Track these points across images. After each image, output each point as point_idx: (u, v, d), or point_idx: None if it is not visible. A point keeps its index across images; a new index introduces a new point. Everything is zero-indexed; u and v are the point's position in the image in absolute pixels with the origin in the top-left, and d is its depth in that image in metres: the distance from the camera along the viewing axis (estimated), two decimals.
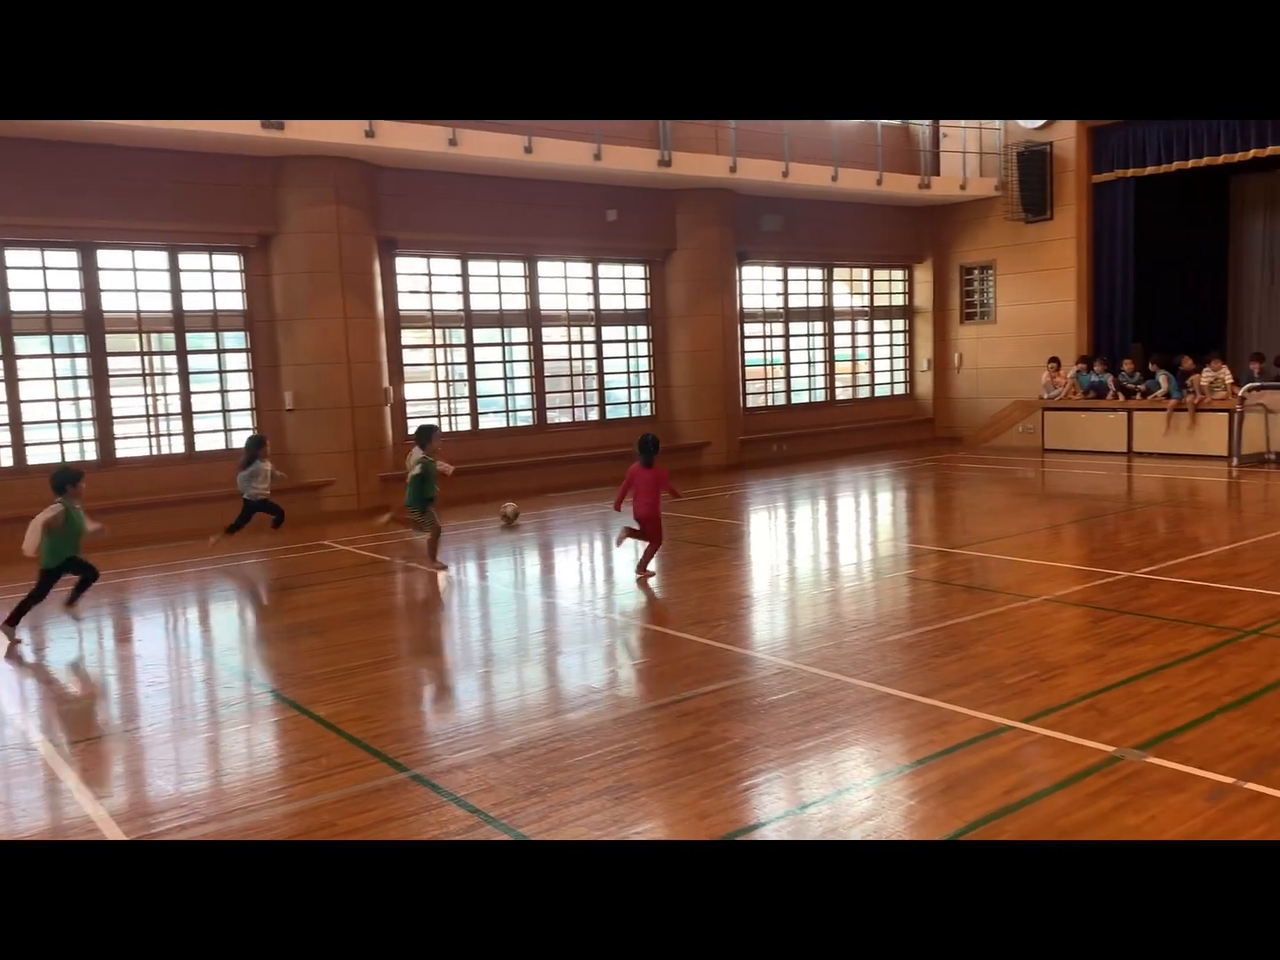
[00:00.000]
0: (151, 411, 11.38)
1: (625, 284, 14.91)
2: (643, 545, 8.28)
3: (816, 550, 9.55)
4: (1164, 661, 5.37)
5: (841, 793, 4.01)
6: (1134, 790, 3.86)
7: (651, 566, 8.21)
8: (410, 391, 13.06)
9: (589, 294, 14.54)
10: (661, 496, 8.04)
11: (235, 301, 11.78)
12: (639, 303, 15.07)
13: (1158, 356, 14.63)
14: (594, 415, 14.65)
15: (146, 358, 11.33)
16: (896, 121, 17.32)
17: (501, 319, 13.71)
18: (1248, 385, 13.13)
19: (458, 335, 13.41)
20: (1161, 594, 6.82)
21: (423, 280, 13.07)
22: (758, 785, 4.11)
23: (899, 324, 18.49)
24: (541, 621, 7.17)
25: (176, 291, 11.37)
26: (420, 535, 9.25)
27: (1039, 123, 16.12)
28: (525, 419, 14.09)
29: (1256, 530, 9.02)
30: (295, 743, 4.87)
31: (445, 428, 13.20)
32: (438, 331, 13.27)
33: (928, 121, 17.23)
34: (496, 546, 10.08)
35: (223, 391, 11.79)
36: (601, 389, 14.76)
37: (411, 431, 10.46)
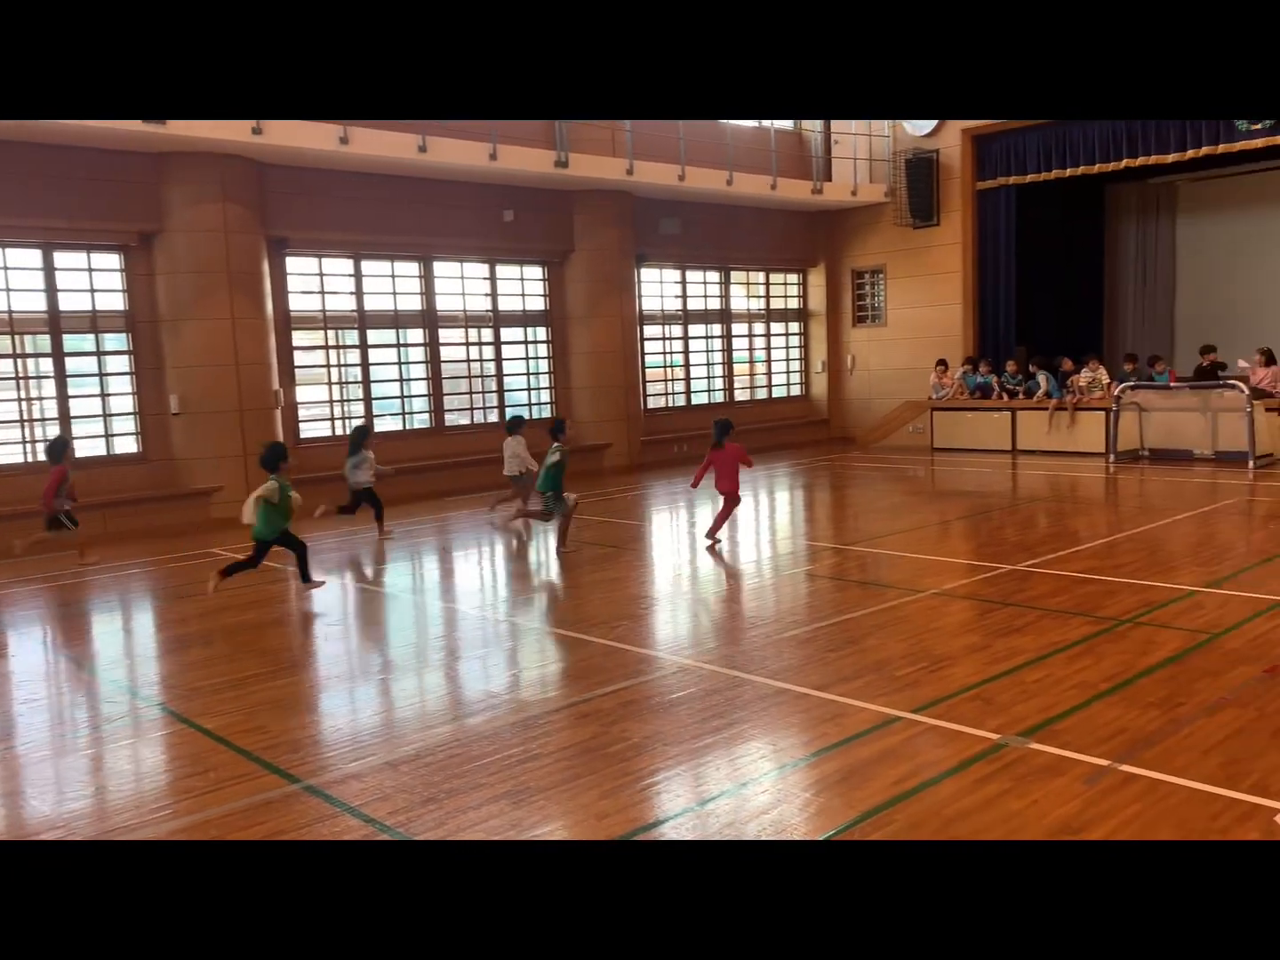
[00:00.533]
0: (26, 416, 10.87)
1: (524, 285, 14.85)
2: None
3: (718, 549, 9.65)
4: (1045, 651, 5.59)
5: (739, 787, 4.06)
6: (1017, 776, 4.01)
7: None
8: (302, 394, 12.76)
9: (487, 295, 14.43)
10: (739, 469, 9.20)
11: (116, 302, 11.35)
12: (538, 304, 15.02)
13: (1039, 358, 15.22)
14: (493, 417, 14.54)
15: (20, 360, 10.82)
16: (789, 126, 17.65)
17: (396, 320, 13.51)
18: (1122, 385, 13.74)
19: (351, 336, 13.16)
20: (1043, 586, 7.09)
21: (314, 280, 12.79)
22: (656, 783, 4.13)
23: (794, 326, 18.83)
24: (440, 627, 7.09)
25: (52, 291, 10.88)
26: (536, 521, 9.86)
27: (926, 130, 16.63)
28: (422, 421, 13.90)
29: (1132, 524, 9.45)
30: (182, 757, 4.70)
31: (338, 431, 12.95)
32: (330, 332, 13.00)
33: (819, 128, 17.60)
34: (394, 552, 9.92)
35: (104, 395, 11.33)
36: (501, 391, 14.66)
37: (508, 420, 11.69)
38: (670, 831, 3.72)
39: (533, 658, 6.21)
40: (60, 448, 9.50)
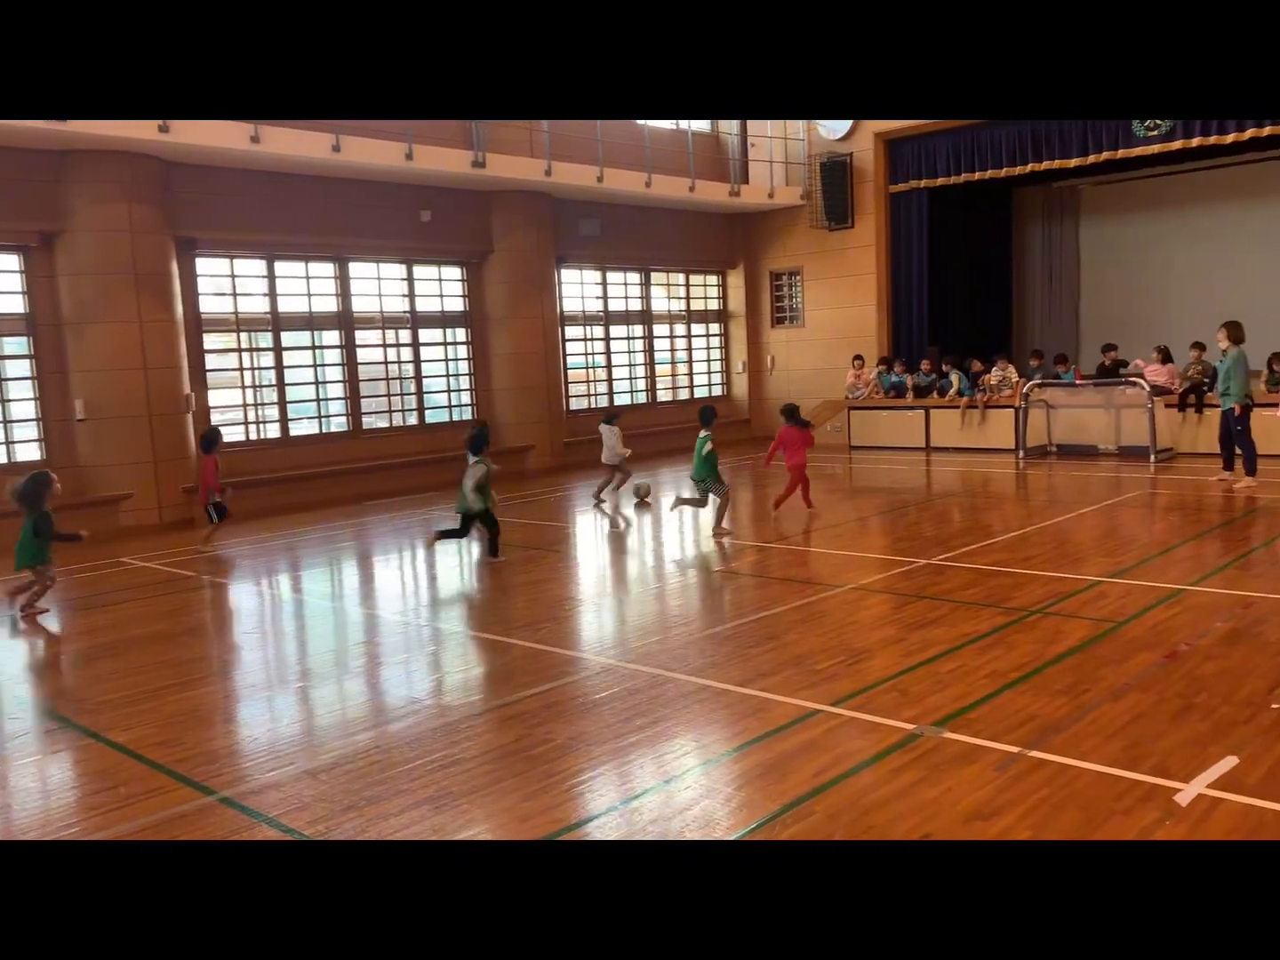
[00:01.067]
0: None
1: (442, 286, 14.72)
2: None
3: (641, 549, 9.70)
4: (959, 642, 5.74)
5: (663, 784, 4.09)
6: (932, 765, 4.11)
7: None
8: (214, 398, 12.46)
9: (404, 296, 14.26)
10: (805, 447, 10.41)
11: (16, 304, 10.94)
12: (457, 305, 14.90)
13: (950, 358, 15.61)
14: (413, 420, 14.38)
15: None
16: (706, 129, 17.80)
17: (311, 322, 13.27)
18: (1030, 383, 14.16)
19: (265, 339, 12.89)
20: (957, 579, 7.27)
21: (226, 282, 12.51)
22: (580, 784, 4.14)
23: (715, 327, 18.99)
24: (360, 633, 6.99)
25: None
26: (690, 506, 10.52)
27: (840, 134, 16.91)
28: (340, 425, 13.68)
29: (1040, 517, 9.74)
30: (90, 773, 4.57)
31: (253, 435, 12.69)
32: (243, 335, 12.72)
33: (736, 131, 17.79)
34: (311, 559, 9.75)
35: (3, 401, 10.92)
36: (420, 393, 14.50)
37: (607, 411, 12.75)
38: (595, 831, 3.74)
39: (455, 662, 6.17)
40: (214, 438, 10.02)
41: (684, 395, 18.49)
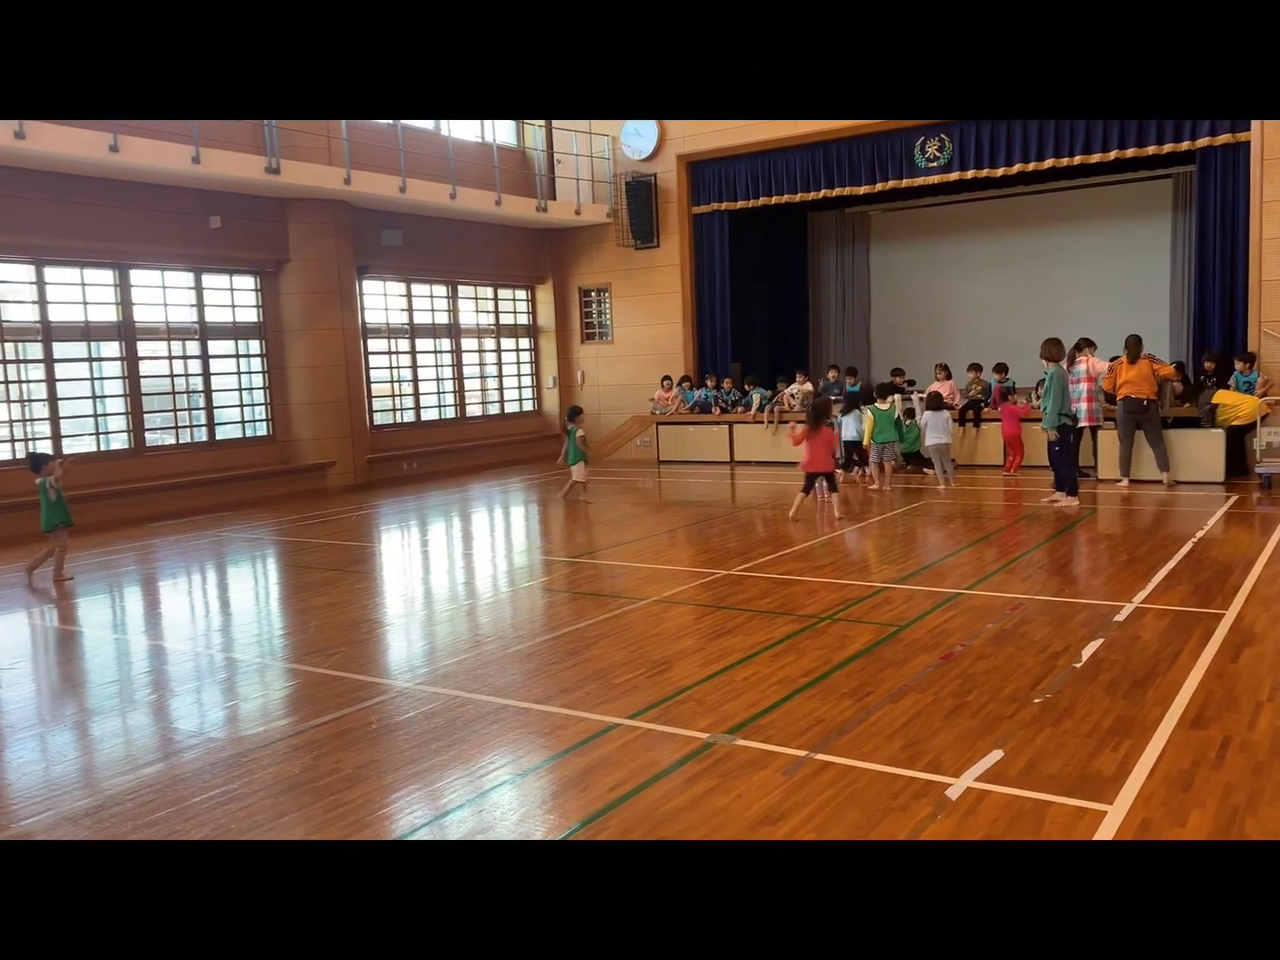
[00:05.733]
0: None
1: (234, 295, 14.04)
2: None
3: (449, 567, 9.52)
4: (753, 650, 5.89)
5: (455, 810, 4.00)
6: (724, 772, 4.19)
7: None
8: None
9: (192, 305, 13.52)
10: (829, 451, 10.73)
11: None
12: (250, 315, 14.24)
13: (751, 376, 16.18)
14: (202, 436, 13.63)
15: None
16: (512, 143, 17.76)
17: (88, 332, 12.39)
18: (825, 393, 14.78)
19: (35, 350, 11.93)
20: (754, 589, 7.48)
21: None
22: (370, 813, 3.99)
23: (524, 342, 18.93)
24: (143, 664, 6.52)
25: None
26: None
27: (644, 154, 17.23)
28: (120, 441, 12.80)
29: (831, 527, 10.16)
30: None
31: (18, 454, 11.71)
32: (9, 346, 11.73)
33: (542, 146, 17.83)
34: (90, 585, 9.06)
35: None
36: (210, 407, 13.76)
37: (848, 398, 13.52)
38: None
39: (242, 691, 5.83)
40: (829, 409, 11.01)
41: (494, 410, 18.33)
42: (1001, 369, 14.08)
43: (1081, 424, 11.45)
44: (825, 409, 10.92)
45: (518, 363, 18.85)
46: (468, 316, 17.84)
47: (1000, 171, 14.75)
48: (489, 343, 18.22)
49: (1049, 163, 14.34)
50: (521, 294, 18.79)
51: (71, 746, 5.03)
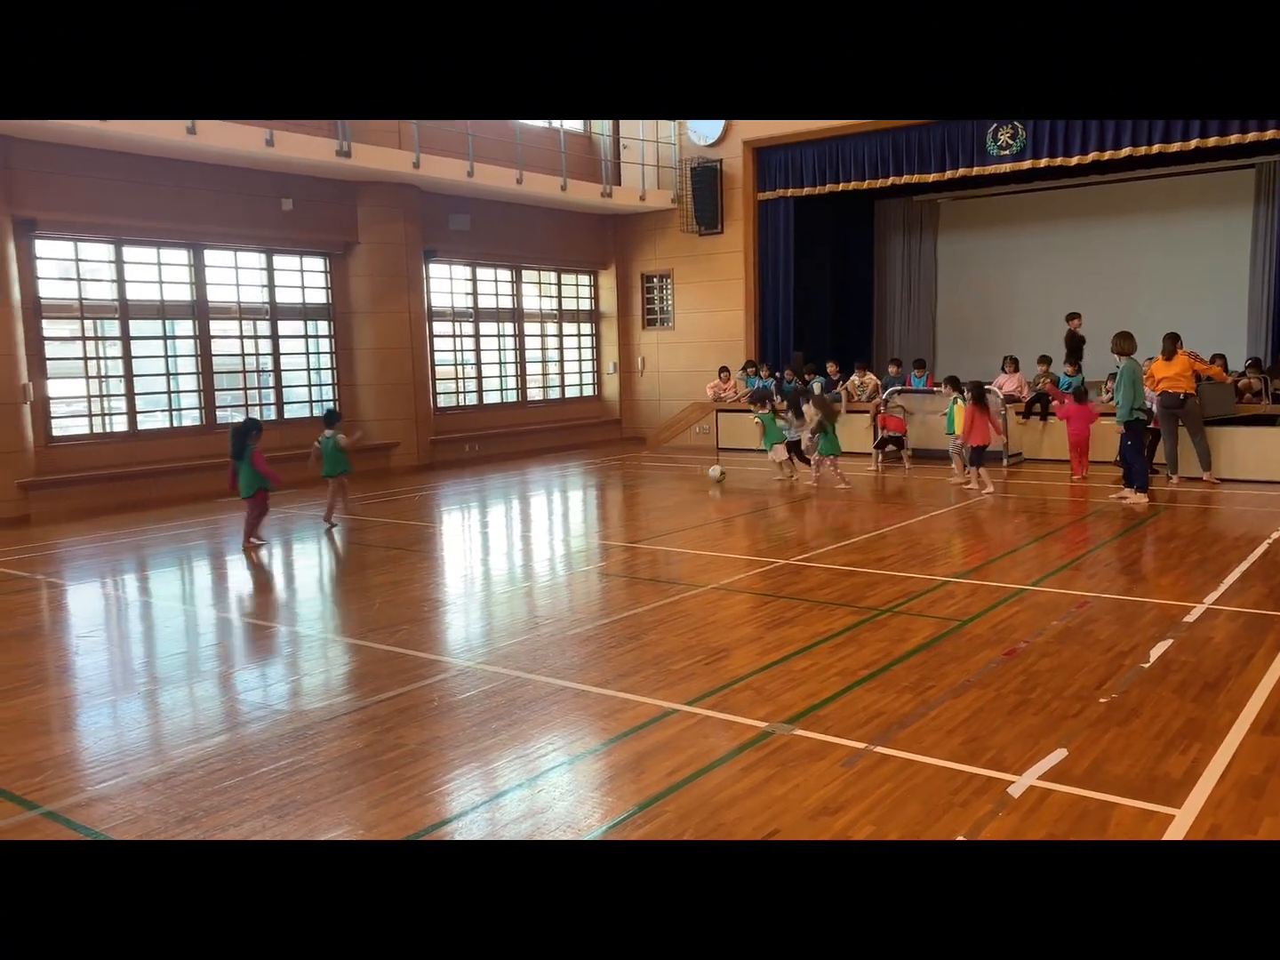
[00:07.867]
0: None
1: (304, 277, 14.26)
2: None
3: (508, 549, 9.60)
4: (812, 641, 5.87)
5: (515, 788, 4.05)
6: (781, 761, 4.18)
7: None
8: (55, 388, 11.78)
9: (263, 286, 13.77)
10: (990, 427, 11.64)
11: None
12: (319, 297, 14.47)
13: (810, 366, 16.07)
14: (271, 415, 13.89)
15: None
16: (579, 129, 17.78)
17: (163, 310, 12.68)
18: (889, 390, 14.62)
19: (112, 327, 12.25)
20: (813, 579, 7.45)
21: (70, 266, 11.84)
22: (431, 789, 4.06)
23: (586, 327, 18.98)
24: (212, 636, 6.70)
25: None
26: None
27: (711, 140, 17.14)
28: (192, 419, 13.10)
29: (892, 519, 10.06)
30: None
31: (96, 429, 12.05)
32: (88, 323, 12.06)
33: (608, 132, 17.82)
34: (159, 559, 9.31)
35: None
36: (279, 387, 14.03)
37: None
38: (443, 838, 3.66)
39: (308, 666, 5.96)
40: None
41: (555, 395, 18.42)
42: (1074, 362, 13.76)
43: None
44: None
45: (579, 348, 18.92)
46: (531, 301, 17.93)
47: (1075, 160, 14.42)
48: (551, 327, 18.30)
49: (1125, 151, 13.97)
50: (584, 279, 18.83)
51: (135, 716, 5.18)
